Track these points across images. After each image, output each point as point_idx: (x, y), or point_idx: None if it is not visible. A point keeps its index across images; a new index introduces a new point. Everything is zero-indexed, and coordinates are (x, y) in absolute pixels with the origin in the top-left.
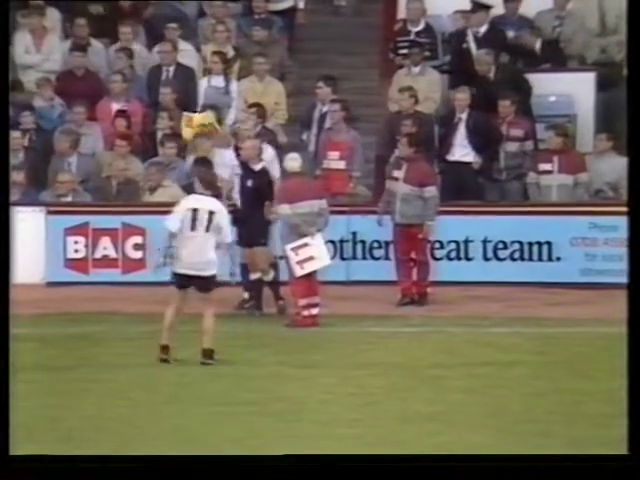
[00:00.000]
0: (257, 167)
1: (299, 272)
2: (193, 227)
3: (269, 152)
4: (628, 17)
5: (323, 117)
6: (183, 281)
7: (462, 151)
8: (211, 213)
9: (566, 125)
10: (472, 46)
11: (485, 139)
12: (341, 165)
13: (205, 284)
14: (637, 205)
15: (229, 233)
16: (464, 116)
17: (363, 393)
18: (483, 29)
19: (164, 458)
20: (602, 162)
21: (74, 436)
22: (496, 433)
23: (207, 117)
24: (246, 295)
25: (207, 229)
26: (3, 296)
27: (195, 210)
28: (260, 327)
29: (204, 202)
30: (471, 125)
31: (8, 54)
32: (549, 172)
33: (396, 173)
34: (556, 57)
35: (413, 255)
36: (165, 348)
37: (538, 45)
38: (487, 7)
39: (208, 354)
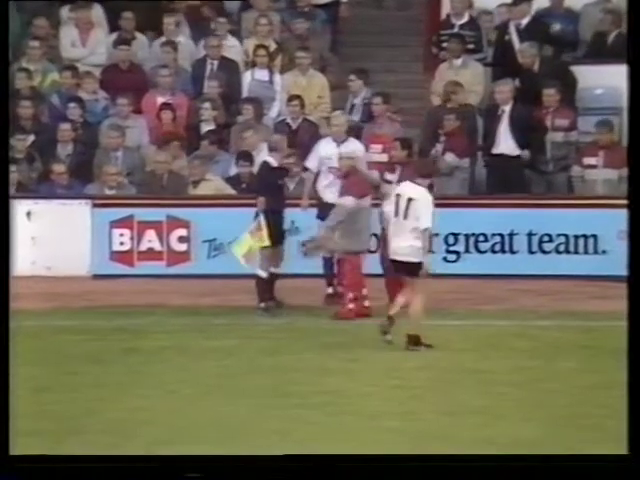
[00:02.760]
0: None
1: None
2: (396, 213)
3: (357, 145)
4: (628, 17)
5: (353, 109)
6: (395, 267)
7: (506, 144)
8: (409, 200)
9: (612, 121)
10: (514, 38)
11: (529, 132)
12: (384, 158)
13: (408, 270)
14: (637, 201)
15: (425, 220)
16: (507, 109)
17: (408, 386)
18: (525, 21)
19: (162, 458)
20: None
21: (119, 428)
22: (542, 427)
23: (261, 241)
24: (330, 290)
25: (405, 216)
26: (3, 293)
27: (398, 196)
28: (304, 319)
29: (407, 189)
30: (515, 118)
31: (8, 54)
32: (594, 166)
33: (389, 176)
34: (603, 49)
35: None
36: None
37: (613, 35)
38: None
39: (412, 340)
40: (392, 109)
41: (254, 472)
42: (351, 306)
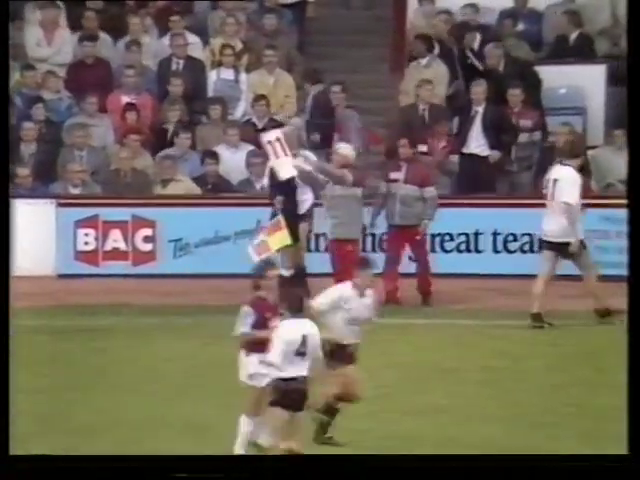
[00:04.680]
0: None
1: None
2: (546, 196)
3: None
4: (628, 16)
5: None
6: (546, 248)
7: (477, 144)
8: (555, 181)
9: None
10: (475, 62)
11: (501, 133)
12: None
13: (561, 250)
14: (637, 201)
15: (567, 195)
16: (480, 109)
17: (375, 385)
18: (477, 44)
19: (163, 457)
20: (616, 156)
21: (86, 429)
22: (510, 426)
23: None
24: None
25: (552, 196)
26: (3, 291)
27: (548, 180)
28: None
29: (555, 170)
30: (488, 119)
31: (8, 53)
32: None
33: (394, 175)
34: (566, 50)
35: (411, 255)
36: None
37: (574, 35)
38: (476, 27)
39: (535, 318)
40: (348, 98)
41: (241, 472)
42: None
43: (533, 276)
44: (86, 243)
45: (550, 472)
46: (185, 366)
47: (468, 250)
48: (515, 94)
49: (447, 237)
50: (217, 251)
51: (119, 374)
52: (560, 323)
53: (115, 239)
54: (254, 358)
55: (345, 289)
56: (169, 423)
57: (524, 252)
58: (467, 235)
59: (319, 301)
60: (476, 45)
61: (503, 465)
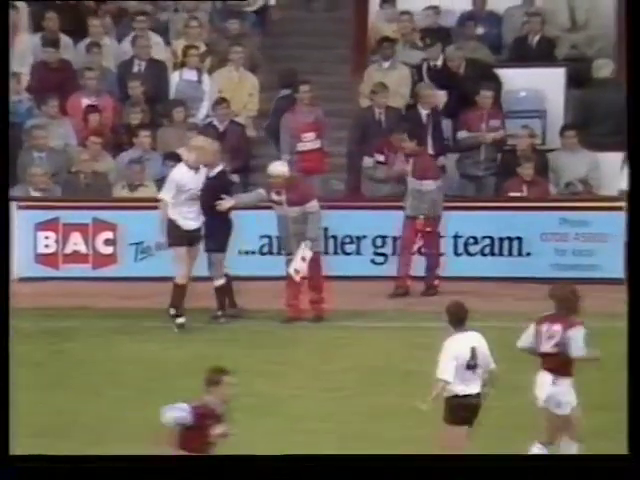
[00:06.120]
0: (215, 172)
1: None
2: None
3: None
4: (627, 16)
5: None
6: None
7: (434, 147)
8: None
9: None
10: (426, 79)
11: (444, 136)
12: (318, 144)
13: None
14: (636, 203)
15: None
16: (429, 112)
17: (336, 388)
18: (440, 62)
19: (163, 458)
20: (571, 157)
21: (48, 431)
22: (472, 428)
23: None
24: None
25: None
26: (3, 293)
27: None
28: (232, 323)
29: None
30: (433, 122)
31: (8, 53)
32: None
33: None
34: (526, 53)
35: (421, 248)
36: None
37: (534, 38)
38: (440, 43)
39: None
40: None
41: (237, 472)
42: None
43: (493, 279)
44: (46, 246)
45: (549, 472)
46: (146, 369)
47: None
48: (487, 96)
49: None
50: None
51: (80, 377)
52: (518, 326)
53: (75, 242)
54: (564, 385)
55: None
56: (129, 425)
57: (484, 255)
58: None
59: None
60: (439, 62)
61: (502, 465)
